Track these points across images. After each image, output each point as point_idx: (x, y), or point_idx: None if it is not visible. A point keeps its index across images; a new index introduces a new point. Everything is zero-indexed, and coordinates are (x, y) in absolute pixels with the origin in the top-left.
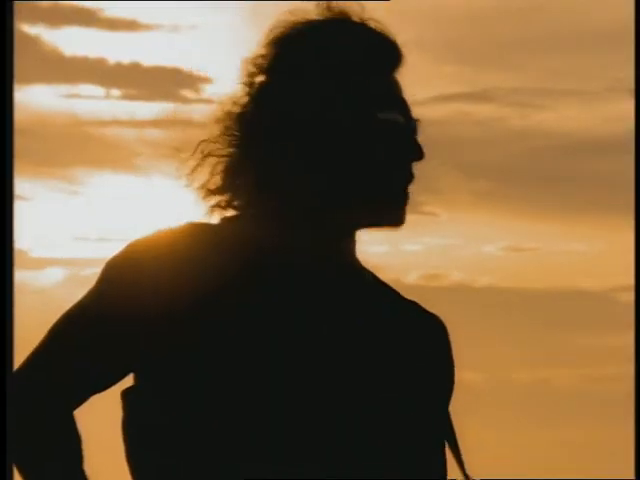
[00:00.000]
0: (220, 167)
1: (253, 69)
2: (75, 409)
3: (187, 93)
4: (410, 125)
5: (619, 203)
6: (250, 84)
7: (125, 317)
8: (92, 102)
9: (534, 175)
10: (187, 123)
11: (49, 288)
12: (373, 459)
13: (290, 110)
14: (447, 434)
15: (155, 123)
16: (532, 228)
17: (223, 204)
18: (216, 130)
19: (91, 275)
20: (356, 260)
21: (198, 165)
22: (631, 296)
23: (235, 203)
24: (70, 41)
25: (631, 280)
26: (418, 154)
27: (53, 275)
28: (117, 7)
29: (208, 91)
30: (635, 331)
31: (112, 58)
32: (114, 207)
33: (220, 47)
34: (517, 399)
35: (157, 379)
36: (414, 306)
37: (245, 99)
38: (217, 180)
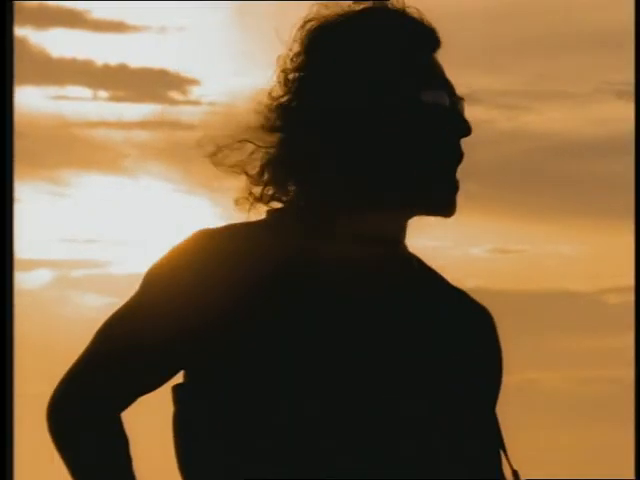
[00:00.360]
0: (263, 159)
1: (291, 59)
2: (122, 411)
3: (175, 95)
4: (455, 103)
5: (607, 205)
6: (289, 74)
7: (170, 319)
8: (79, 103)
9: (522, 177)
10: (175, 124)
11: (37, 290)
12: (432, 450)
13: (332, 97)
14: (497, 429)
15: (143, 125)
16: (519, 230)
17: (266, 197)
18: (256, 122)
19: (79, 277)
20: (405, 247)
21: (243, 158)
22: (620, 298)
23: (278, 196)
24: (57, 42)
25: (619, 282)
26: (465, 130)
27: (41, 277)
28: (104, 8)
29: (196, 93)
30: (635, 334)
31: (99, 59)
32: (102, 208)
33: (208, 49)
34: (505, 400)
35: (205, 377)
36: (463, 294)
37: (284, 90)
38: (260, 172)
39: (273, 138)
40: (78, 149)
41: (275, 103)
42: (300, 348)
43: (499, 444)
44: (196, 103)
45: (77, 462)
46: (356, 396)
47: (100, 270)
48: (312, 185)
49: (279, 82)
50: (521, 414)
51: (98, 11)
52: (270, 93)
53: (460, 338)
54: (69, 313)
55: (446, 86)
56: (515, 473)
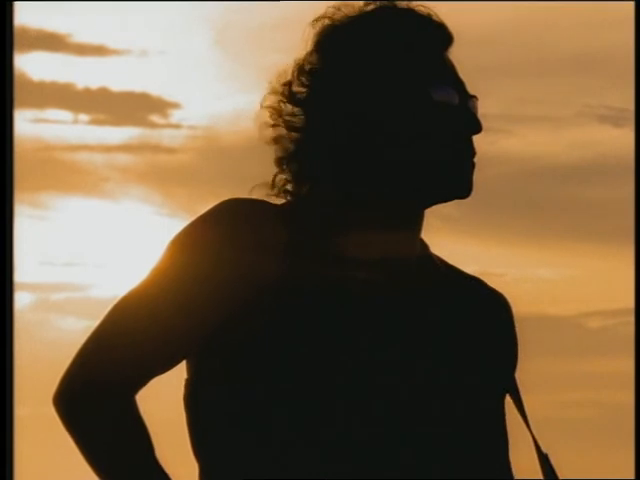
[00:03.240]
0: (278, 155)
1: (304, 57)
2: (136, 393)
3: (156, 118)
4: (465, 101)
5: (587, 229)
6: (303, 74)
7: (190, 295)
8: (60, 127)
9: (501, 201)
10: (156, 148)
11: (17, 313)
12: (456, 441)
13: (343, 95)
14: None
15: (124, 148)
16: (499, 254)
17: (279, 192)
18: (268, 117)
19: (60, 300)
20: (421, 240)
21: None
22: (600, 322)
23: (292, 190)
24: (38, 66)
25: (599, 306)
26: (475, 127)
27: (20, 300)
28: (85, 32)
29: (177, 116)
30: (635, 358)
31: (80, 83)
32: (83, 231)
33: (189, 72)
34: None
35: (223, 359)
36: (478, 282)
37: (299, 89)
38: (275, 169)
39: (291, 134)
40: (59, 172)
41: (290, 97)
42: (311, 340)
43: (504, 436)
44: (177, 126)
45: (94, 449)
46: (367, 389)
47: (81, 293)
48: (326, 181)
49: (293, 78)
50: None
51: (79, 34)
52: (285, 92)
53: (473, 329)
54: (49, 337)
55: (456, 84)
56: (545, 457)
